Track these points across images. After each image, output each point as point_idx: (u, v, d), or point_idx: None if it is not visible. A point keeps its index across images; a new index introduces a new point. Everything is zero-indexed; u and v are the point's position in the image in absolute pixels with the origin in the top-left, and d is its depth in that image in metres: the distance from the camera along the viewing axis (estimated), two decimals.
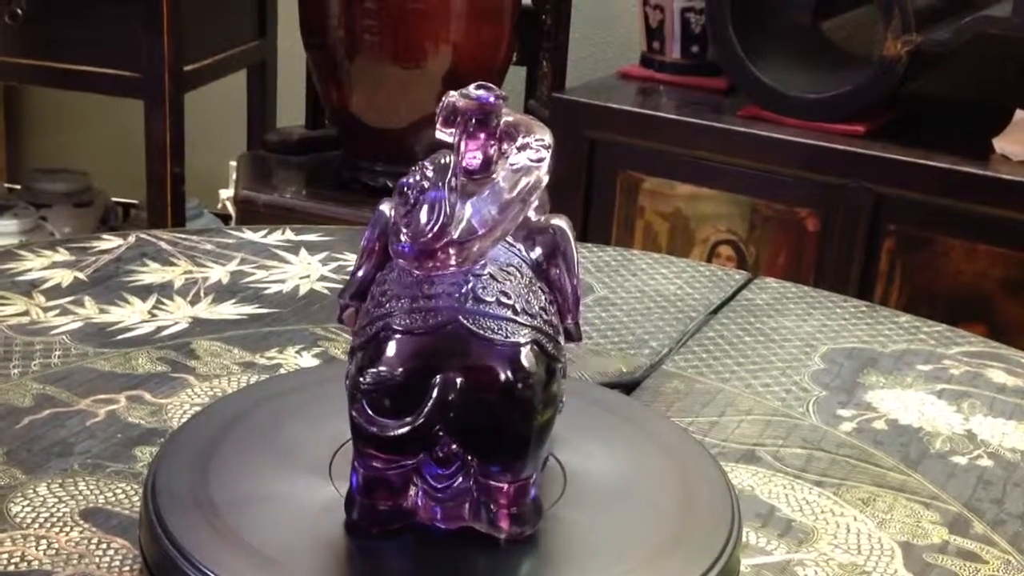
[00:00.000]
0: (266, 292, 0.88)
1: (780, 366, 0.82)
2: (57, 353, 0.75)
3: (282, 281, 0.90)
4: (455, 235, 0.47)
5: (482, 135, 0.51)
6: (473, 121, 0.51)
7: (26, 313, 0.81)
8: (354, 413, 0.47)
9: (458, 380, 0.47)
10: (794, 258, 1.60)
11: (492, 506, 0.50)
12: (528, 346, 0.48)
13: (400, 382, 0.47)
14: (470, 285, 0.48)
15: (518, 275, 0.50)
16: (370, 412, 0.47)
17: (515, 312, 0.48)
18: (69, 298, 0.84)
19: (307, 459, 0.56)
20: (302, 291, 0.89)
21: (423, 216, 0.46)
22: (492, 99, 0.51)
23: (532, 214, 0.53)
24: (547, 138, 0.51)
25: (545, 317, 0.50)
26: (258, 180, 1.86)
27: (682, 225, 1.67)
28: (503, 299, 0.48)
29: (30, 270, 0.88)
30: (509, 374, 0.48)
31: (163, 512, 0.51)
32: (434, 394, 0.46)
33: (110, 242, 0.95)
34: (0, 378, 0.72)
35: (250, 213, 1.78)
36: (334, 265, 0.94)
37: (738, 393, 0.78)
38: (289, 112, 2.19)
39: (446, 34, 1.69)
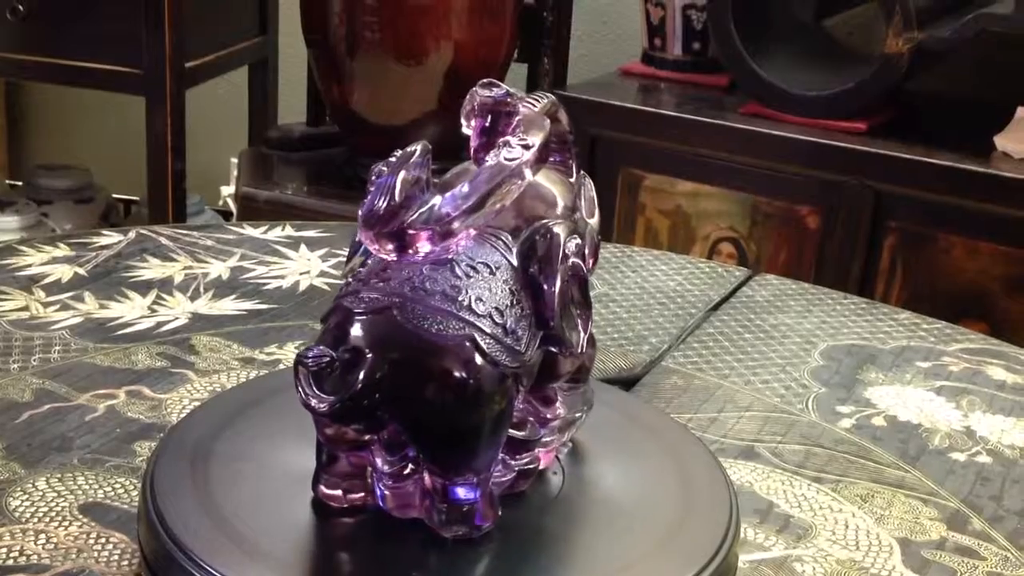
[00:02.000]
0: (266, 288, 0.88)
1: (779, 363, 0.82)
2: (57, 348, 0.75)
3: (282, 277, 0.90)
4: (407, 221, 0.47)
5: (494, 131, 0.51)
6: (489, 117, 0.51)
7: (26, 308, 0.81)
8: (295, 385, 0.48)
9: (385, 365, 0.47)
10: (795, 255, 1.60)
11: (437, 502, 0.50)
12: (460, 342, 0.47)
13: (336, 359, 0.47)
14: (421, 274, 0.48)
15: (485, 272, 0.49)
16: (307, 385, 0.47)
17: (458, 307, 0.48)
18: (69, 293, 0.84)
19: (308, 451, 0.56)
20: (302, 287, 0.89)
21: (373, 200, 0.47)
22: (500, 97, 0.51)
23: (558, 212, 0.52)
24: (532, 138, 0.50)
25: (499, 319, 0.49)
26: (259, 177, 1.86)
27: (683, 222, 1.67)
28: (450, 292, 0.48)
29: (30, 265, 0.88)
30: (430, 367, 0.47)
31: (161, 507, 0.51)
32: (360, 375, 0.47)
33: (110, 238, 0.95)
34: (0, 373, 0.72)
35: (251, 210, 1.78)
36: (334, 261, 0.94)
37: (737, 389, 0.78)
38: (290, 109, 2.19)
39: (447, 31, 1.69)
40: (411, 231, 0.47)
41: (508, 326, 0.49)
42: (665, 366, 0.81)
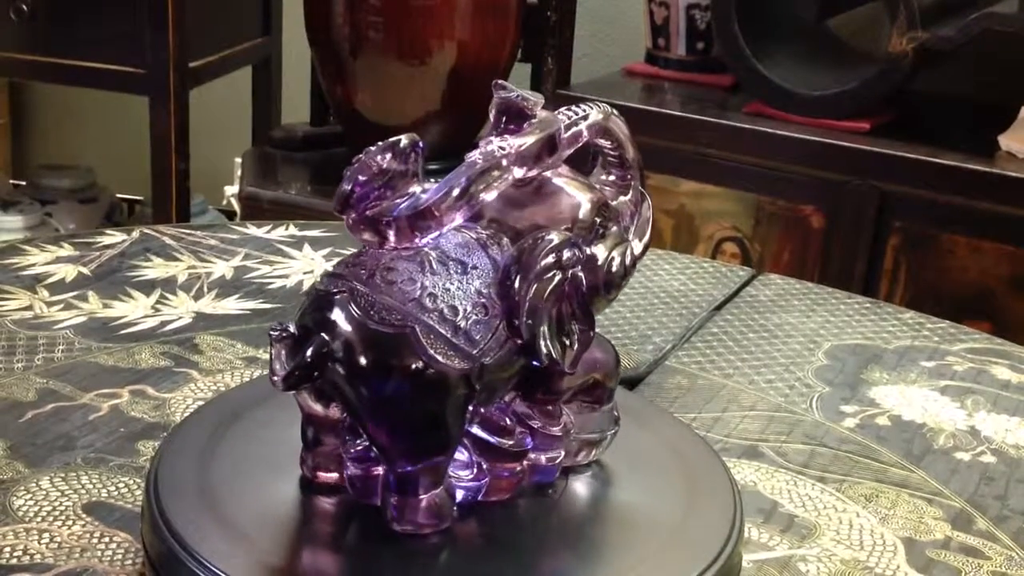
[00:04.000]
0: (269, 287, 0.88)
1: (783, 362, 0.82)
2: (60, 348, 0.75)
3: (285, 276, 0.90)
4: (378, 210, 0.48)
5: (506, 132, 0.51)
6: (504, 119, 0.51)
7: (30, 308, 0.81)
8: None
9: (329, 346, 0.48)
10: (799, 255, 1.60)
11: (388, 493, 0.50)
12: (396, 333, 0.48)
13: (294, 333, 0.48)
14: (385, 263, 0.49)
15: (456, 269, 0.49)
16: (274, 357, 0.48)
17: (405, 299, 0.48)
18: (73, 293, 0.84)
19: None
20: (306, 286, 0.89)
21: (342, 185, 0.49)
22: (508, 98, 0.51)
23: (574, 222, 0.52)
24: (517, 139, 0.50)
25: (450, 316, 0.48)
26: (263, 177, 1.86)
27: (687, 222, 1.67)
28: (404, 284, 0.48)
29: (34, 265, 0.88)
30: (363, 354, 0.48)
31: (165, 506, 0.51)
32: (308, 351, 0.48)
33: (114, 237, 0.95)
34: (4, 372, 0.72)
35: (255, 210, 1.78)
36: (337, 260, 0.93)
37: (741, 389, 0.78)
38: (294, 109, 2.19)
39: (451, 31, 1.69)
40: (383, 220, 0.48)
41: (461, 326, 0.48)
42: (669, 366, 0.81)
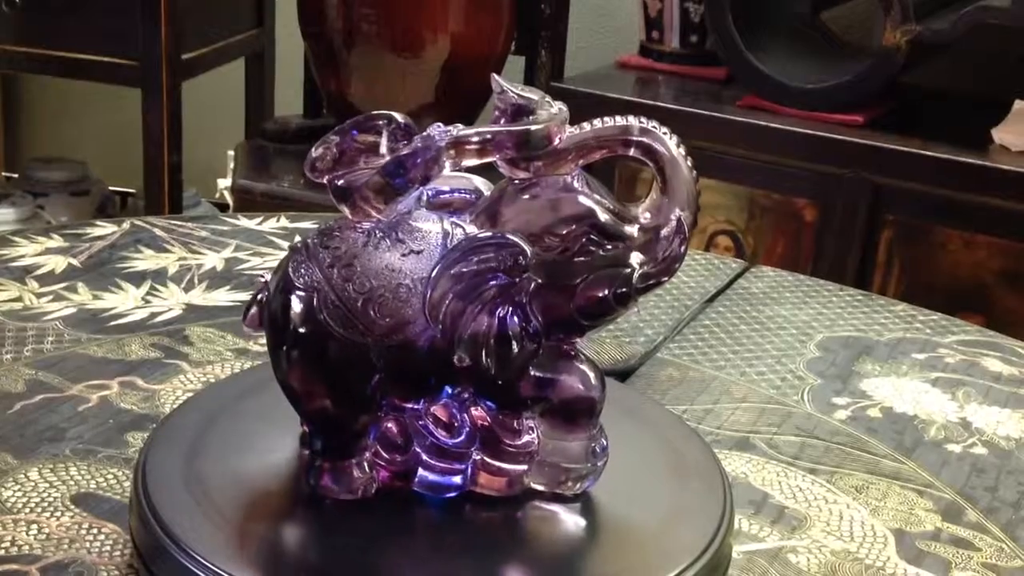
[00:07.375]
0: (261, 279, 0.88)
1: (775, 354, 0.82)
2: (50, 339, 0.75)
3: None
4: (338, 181, 0.49)
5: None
6: (501, 116, 0.52)
7: (19, 299, 0.81)
8: None
9: (266, 295, 0.51)
10: (792, 248, 1.60)
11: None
12: (301, 295, 0.49)
13: (261, 289, 0.52)
14: (333, 231, 0.50)
15: (398, 249, 0.49)
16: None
17: (326, 266, 0.49)
18: (62, 284, 0.84)
19: (297, 443, 0.56)
20: None
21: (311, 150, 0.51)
22: (509, 96, 0.51)
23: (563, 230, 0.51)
24: (468, 129, 0.50)
25: (355, 290, 0.49)
26: (255, 169, 1.85)
27: None
28: (329, 253, 0.50)
29: (23, 256, 0.88)
30: (273, 307, 0.50)
31: (153, 497, 0.51)
32: (258, 296, 0.52)
33: (104, 229, 0.95)
34: None
35: (247, 202, 1.78)
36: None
37: (733, 381, 0.78)
38: (287, 101, 2.19)
39: (444, 23, 1.69)
40: (346, 191, 0.49)
41: (366, 301, 0.49)
42: (661, 358, 0.81)
